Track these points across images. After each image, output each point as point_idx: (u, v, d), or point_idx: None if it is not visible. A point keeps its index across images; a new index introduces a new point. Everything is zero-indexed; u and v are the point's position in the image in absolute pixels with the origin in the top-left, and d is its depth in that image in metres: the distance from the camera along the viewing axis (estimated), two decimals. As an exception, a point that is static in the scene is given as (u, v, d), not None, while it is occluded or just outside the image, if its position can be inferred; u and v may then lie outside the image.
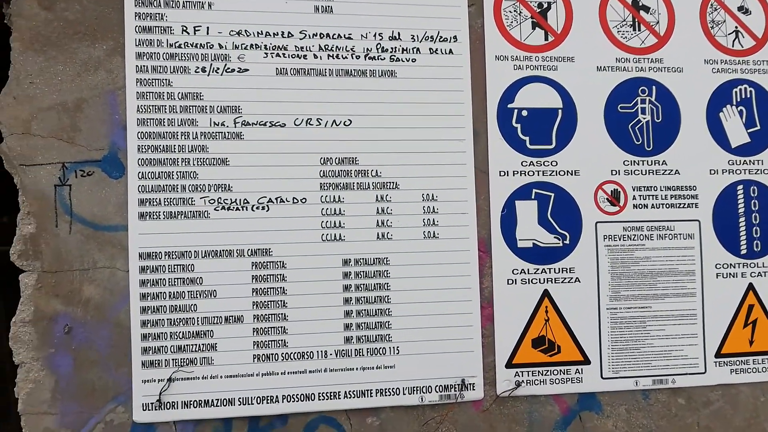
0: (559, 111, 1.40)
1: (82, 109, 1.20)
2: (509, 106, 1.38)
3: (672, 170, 1.43)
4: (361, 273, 1.29)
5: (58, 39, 1.19)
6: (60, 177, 1.19)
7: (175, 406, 1.22)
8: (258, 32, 1.27)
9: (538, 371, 1.36)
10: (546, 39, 1.41)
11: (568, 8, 1.42)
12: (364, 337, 1.29)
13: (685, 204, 1.43)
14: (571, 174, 1.39)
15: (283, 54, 1.28)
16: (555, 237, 1.38)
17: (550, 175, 1.39)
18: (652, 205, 1.42)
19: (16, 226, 1.19)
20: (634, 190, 1.41)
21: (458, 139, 1.34)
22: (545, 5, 1.41)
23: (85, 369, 1.19)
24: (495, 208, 1.36)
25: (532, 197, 1.38)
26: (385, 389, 1.30)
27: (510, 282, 1.36)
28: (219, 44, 1.26)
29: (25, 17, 1.18)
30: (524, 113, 1.39)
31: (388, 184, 1.32)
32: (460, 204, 1.34)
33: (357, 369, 1.29)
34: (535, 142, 1.39)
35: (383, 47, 1.33)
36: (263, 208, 1.26)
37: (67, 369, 1.19)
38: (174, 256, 1.23)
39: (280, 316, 1.26)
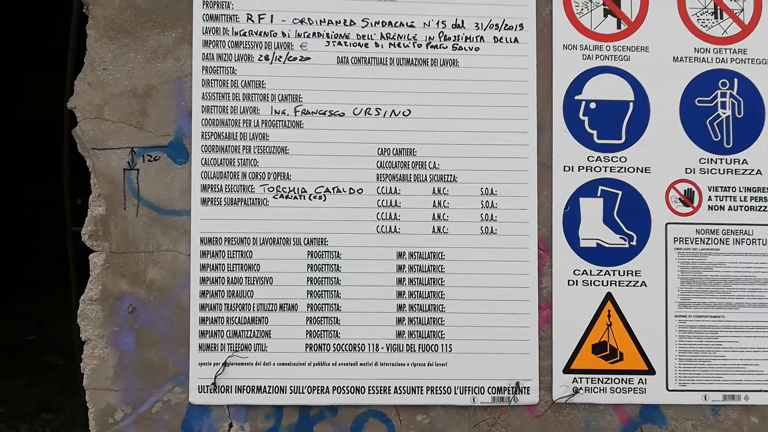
0: (631, 104, 1.32)
1: (151, 96, 1.24)
2: (577, 97, 1.32)
3: (753, 170, 1.32)
4: (416, 267, 1.27)
5: (131, 27, 1.23)
6: (129, 161, 1.23)
7: (230, 390, 1.25)
8: (321, 20, 1.27)
9: (598, 378, 1.30)
10: (618, 27, 1.33)
11: (644, -6, 1.34)
12: (416, 333, 1.27)
13: (766, 207, 1.33)
14: (641, 171, 1.32)
15: (345, 42, 1.27)
16: (621, 237, 1.31)
17: (618, 171, 1.32)
18: (730, 207, 1.32)
19: (87, 208, 1.24)
20: (710, 190, 1.32)
21: (521, 132, 1.30)
22: (619, -9, 1.34)
23: (147, 348, 1.23)
24: (557, 205, 1.30)
25: (598, 195, 1.31)
26: (436, 387, 1.27)
27: (571, 283, 1.30)
28: (282, 32, 1.26)
29: (101, 5, 1.22)
30: (592, 105, 1.32)
31: (447, 176, 1.29)
32: (520, 199, 1.29)
33: (408, 365, 1.27)
34: (604, 137, 1.32)
35: (446, 35, 1.29)
36: (320, 197, 1.26)
37: (130, 347, 1.23)
38: (233, 242, 1.25)
39: (333, 306, 1.26)
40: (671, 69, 1.33)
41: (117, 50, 1.23)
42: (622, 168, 1.32)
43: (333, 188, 1.27)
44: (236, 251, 1.25)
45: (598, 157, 1.31)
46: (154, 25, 1.23)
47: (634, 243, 1.31)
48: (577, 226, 1.31)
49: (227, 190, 1.25)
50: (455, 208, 1.28)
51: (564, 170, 1.31)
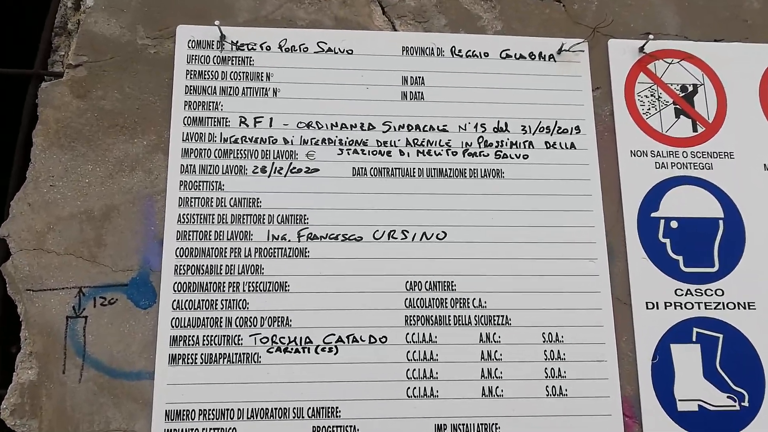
0: (720, 222, 1.06)
1: (111, 219, 0.95)
2: (653, 215, 1.05)
3: None
4: (462, 446, 0.94)
5: (90, 132, 0.97)
6: (74, 306, 0.92)
7: None
8: (332, 124, 1.02)
9: None
10: (695, 130, 1.10)
11: (719, 91, 1.11)
12: None
13: None
14: (744, 307, 1.02)
15: (362, 150, 1.02)
16: (729, 397, 0.99)
17: (715, 308, 1.02)
18: None
19: (14, 371, 0.91)
20: (829, 328, 1.03)
21: (588, 259, 1.01)
22: (690, 88, 1.12)
23: None
24: (643, 355, 0.99)
25: (694, 339, 1.01)
26: None
27: (671, 463, 0.96)
28: (284, 138, 1.01)
29: (54, 106, 0.97)
30: (674, 224, 1.05)
31: (497, 318, 0.98)
32: (594, 348, 0.98)
33: None
34: (692, 263, 1.04)
35: (487, 141, 1.05)
36: (330, 350, 0.95)
37: None
38: (211, 416, 0.91)
39: (349, 507, 0.91)
40: (764, 178, 1.08)
41: (70, 162, 0.96)
42: (719, 304, 1.02)
43: (347, 337, 0.95)
44: (215, 429, 0.91)
45: (689, 290, 1.03)
46: (121, 131, 0.98)
47: (746, 404, 0.99)
48: (670, 382, 0.99)
49: (205, 343, 0.93)
50: (510, 361, 0.96)
51: (647, 308, 1.01)
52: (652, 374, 0.99)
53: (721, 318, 1.02)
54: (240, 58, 1.02)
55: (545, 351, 0.98)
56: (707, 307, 1.02)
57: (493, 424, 0.94)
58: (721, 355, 1.01)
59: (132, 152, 0.97)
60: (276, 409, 0.92)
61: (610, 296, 1.01)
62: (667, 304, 1.02)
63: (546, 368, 0.97)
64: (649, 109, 1.10)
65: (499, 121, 1.06)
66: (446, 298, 0.98)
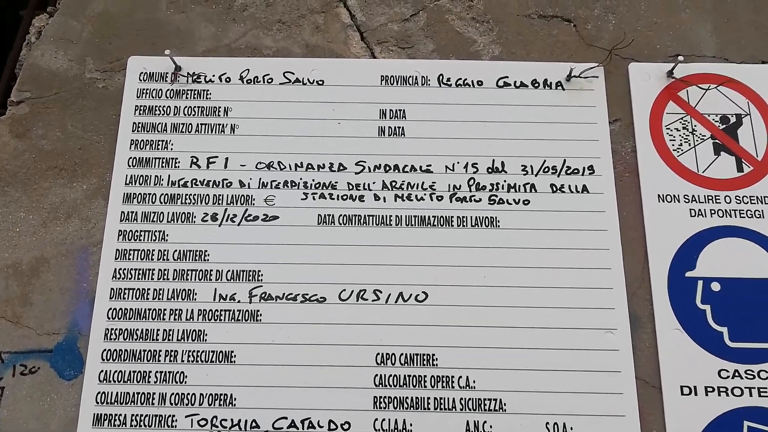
0: (777, 284, 0.85)
1: (40, 274, 0.84)
2: (689, 274, 0.85)
3: None
4: None
5: (26, 176, 0.87)
6: (-9, 374, 0.81)
7: None
8: (297, 164, 0.88)
9: None
10: (740, 169, 0.90)
11: (770, 122, 0.92)
12: None
13: None
14: (812, 395, 0.80)
15: (331, 195, 0.87)
16: None
17: (773, 395, 0.80)
18: None
19: None
20: None
21: (605, 329, 0.82)
22: (733, 119, 0.92)
23: None
24: (678, 456, 0.78)
25: (746, 436, 0.79)
26: None
27: None
28: (240, 181, 0.88)
29: (-11, 148, 0.89)
30: (715, 287, 0.85)
31: (488, 402, 0.80)
32: (613, 444, 0.78)
33: None
34: (740, 337, 0.82)
35: (479, 183, 0.88)
36: (282, 436, 0.79)
37: None
38: None
39: None
40: (832, 229, 0.86)
41: (1, 209, 0.86)
42: (778, 390, 0.81)
43: (302, 422, 0.79)
44: None
45: (737, 371, 0.81)
46: (60, 174, 0.87)
47: None
48: (716, 493, 0.77)
49: (134, 423, 0.78)
50: (504, 459, 0.78)
51: (682, 393, 0.80)
52: (691, 481, 0.78)
53: (781, 409, 0.80)
54: (196, 92, 0.91)
55: (549, 447, 0.78)
56: (762, 393, 0.80)
57: None
58: (783, 457, 0.78)
59: (69, 197, 0.87)
60: None
61: (634, 377, 0.80)
62: (709, 390, 0.80)
63: (550, 470, 0.77)
64: (681, 144, 0.91)
65: (494, 160, 0.89)
66: (425, 376, 0.81)
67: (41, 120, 0.89)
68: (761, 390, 0.80)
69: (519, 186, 0.88)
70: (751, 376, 0.81)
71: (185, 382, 0.80)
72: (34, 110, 0.90)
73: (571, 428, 0.78)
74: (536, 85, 0.93)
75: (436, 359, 0.81)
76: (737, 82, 0.93)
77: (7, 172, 0.88)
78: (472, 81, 0.92)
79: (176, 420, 0.79)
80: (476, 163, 0.89)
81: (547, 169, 0.89)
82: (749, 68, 0.94)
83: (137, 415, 0.79)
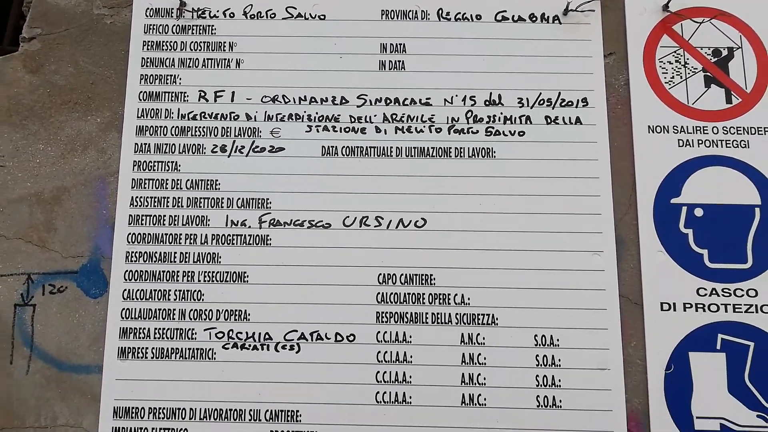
0: (757, 209, 0.89)
1: (62, 202, 0.89)
2: (674, 201, 0.90)
3: None
4: (435, 461, 0.83)
5: (42, 110, 0.91)
6: (22, 294, 0.87)
7: None
8: (300, 98, 0.92)
9: None
10: (729, 101, 0.93)
11: (761, 55, 0.94)
12: None
13: None
14: (783, 311, 0.86)
15: (334, 127, 0.92)
16: (759, 416, 0.84)
17: (746, 311, 0.86)
18: None
19: (-38, 359, 0.88)
20: None
21: (592, 251, 0.88)
22: (725, 52, 0.95)
23: None
24: (655, 363, 0.85)
25: (718, 347, 0.86)
26: None
27: (684, 493, 0.82)
28: (247, 114, 0.92)
29: (5, 82, 0.92)
30: (698, 212, 0.90)
31: (481, 317, 0.86)
32: (596, 354, 0.85)
33: None
34: (720, 258, 0.88)
35: (476, 115, 0.92)
36: (292, 347, 0.85)
37: None
38: (161, 415, 0.84)
39: None
40: (813, 158, 0.91)
41: (21, 141, 0.91)
42: (751, 306, 0.87)
43: (311, 334, 0.86)
44: (165, 429, 0.84)
45: (714, 289, 0.87)
46: (74, 108, 0.91)
47: (781, 426, 0.84)
48: (687, 396, 0.84)
49: (157, 336, 0.86)
50: (496, 366, 0.84)
51: (662, 309, 0.87)
52: (665, 386, 0.85)
53: (753, 323, 0.86)
54: (201, 27, 0.93)
55: (537, 356, 0.85)
56: (736, 309, 0.87)
57: (473, 437, 0.83)
58: (751, 366, 0.85)
59: (85, 130, 0.91)
60: (231, 410, 0.84)
61: (618, 295, 0.87)
62: (687, 306, 0.87)
63: (537, 375, 0.84)
64: (673, 77, 0.94)
65: (491, 93, 0.92)
66: (424, 294, 0.87)
67: (53, 56, 0.93)
68: (735, 306, 0.87)
69: (515, 118, 0.92)
70: (728, 294, 0.87)
71: (202, 300, 0.87)
72: (45, 46, 0.93)
73: (558, 340, 0.85)
74: (534, 19, 0.94)
75: (434, 279, 0.87)
76: (730, 16, 0.95)
77: (24, 107, 0.92)
78: (471, 15, 0.94)
79: (196, 333, 0.86)
80: (474, 96, 0.92)
81: (542, 102, 0.92)
82: (743, 1, 0.96)
83: (160, 328, 0.86)
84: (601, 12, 0.95)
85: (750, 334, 0.86)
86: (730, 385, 0.85)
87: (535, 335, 0.86)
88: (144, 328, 0.86)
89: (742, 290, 0.87)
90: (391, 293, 0.87)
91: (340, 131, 0.91)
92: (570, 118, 0.92)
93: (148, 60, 0.92)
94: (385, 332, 0.86)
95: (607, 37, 0.95)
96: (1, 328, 0.86)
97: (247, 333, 0.86)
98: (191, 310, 0.86)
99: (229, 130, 0.91)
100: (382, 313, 0.87)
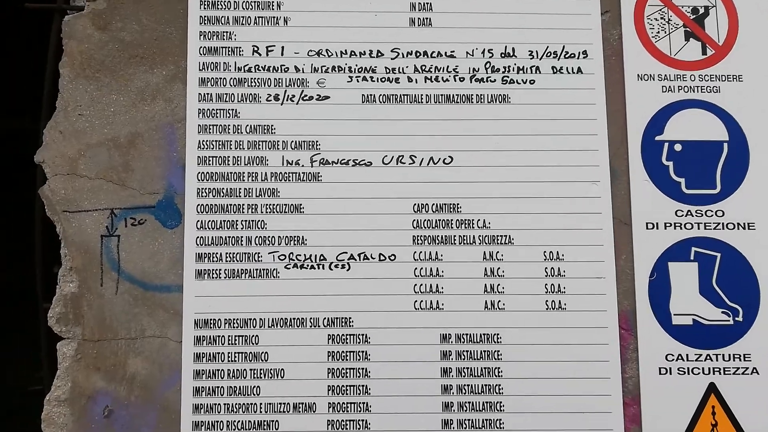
0: (725, 144, 1.07)
1: (136, 145, 1.02)
2: (657, 138, 1.07)
3: None
4: (465, 353, 1.01)
5: (113, 63, 1.02)
6: (108, 226, 1.00)
7: None
8: (341, 52, 1.05)
9: (706, 497, 1.01)
10: (704, 53, 1.09)
11: (731, 13, 1.10)
12: (466, 435, 1.00)
13: None
14: (744, 228, 1.05)
15: (371, 78, 1.05)
16: (723, 312, 1.04)
17: (714, 228, 1.05)
18: None
19: (56, 284, 1.01)
20: (828, 248, 1.05)
21: (590, 181, 1.05)
22: (701, 10, 1.10)
23: (126, 461, 0.98)
24: (641, 272, 1.04)
25: (691, 258, 1.05)
26: None
27: (663, 371, 1.02)
28: (295, 67, 1.04)
29: (77, 39, 1.02)
30: (677, 147, 1.07)
31: (500, 237, 1.04)
32: (594, 265, 1.03)
33: (457, 478, 0.99)
34: (694, 185, 1.06)
35: (494, 66, 1.07)
36: (343, 266, 1.02)
37: (103, 464, 0.98)
38: (236, 325, 1.00)
39: (361, 406, 1.00)
40: (772, 101, 1.08)
41: (95, 92, 1.02)
42: (719, 224, 1.06)
43: (359, 255, 1.02)
44: (239, 336, 1.00)
45: (689, 211, 1.06)
46: (141, 61, 1.02)
47: (740, 318, 1.04)
48: (667, 298, 1.04)
49: (228, 259, 1.01)
50: (512, 278, 1.02)
51: (647, 228, 1.05)
52: (649, 291, 1.04)
53: (720, 238, 1.05)
54: (251, -12, 1.05)
55: (546, 268, 1.03)
56: (707, 227, 1.06)
57: (495, 334, 1.01)
58: (718, 272, 1.05)
59: (152, 82, 1.02)
60: (294, 319, 1.01)
61: (611, 217, 1.05)
62: (667, 225, 1.06)
63: (546, 284, 1.03)
64: (658, 32, 1.10)
65: (506, 47, 1.07)
66: (452, 219, 1.04)
67: (118, 14, 1.03)
68: (706, 224, 1.05)
69: (526, 68, 1.07)
70: (700, 215, 1.06)
71: (266, 228, 1.01)
72: (110, 5, 1.03)
73: (562, 255, 1.03)
74: (542, -20, 1.09)
75: (460, 207, 1.04)
76: (708, -22, 1.11)
77: (96, 61, 1.02)
78: (488, -23, 1.08)
79: (261, 256, 1.01)
80: (491, 50, 1.06)
81: (549, 54, 1.07)
82: (719, -35, 1.11)
83: (230, 252, 1.01)
84: (599, -25, 1.10)
85: (717, 246, 1.05)
86: (701, 288, 1.04)
87: (544, 251, 1.03)
88: (216, 253, 1.01)
89: (712, 211, 1.06)
90: (425, 220, 1.03)
91: (377, 81, 1.05)
92: (573, 68, 1.07)
93: (206, 18, 1.03)
94: (420, 252, 1.03)
95: (603, -3, 1.10)
96: (91, 256, 1.00)
97: (304, 255, 1.01)
98: (256, 236, 1.01)
99: (280, 81, 1.04)
100: (418, 236, 1.03)
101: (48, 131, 1.01)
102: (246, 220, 1.02)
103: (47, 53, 1.06)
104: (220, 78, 1.03)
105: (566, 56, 1.07)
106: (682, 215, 1.06)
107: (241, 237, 1.01)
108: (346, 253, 1.02)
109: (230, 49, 1.04)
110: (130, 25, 1.03)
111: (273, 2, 1.05)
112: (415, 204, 1.04)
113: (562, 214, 1.04)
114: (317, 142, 1.03)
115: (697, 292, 1.04)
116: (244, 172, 1.02)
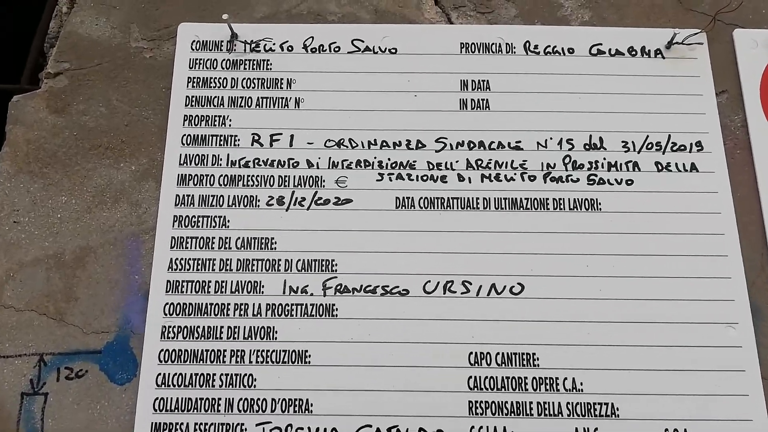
0: None
1: (85, 264, 0.74)
2: (816, 262, 0.76)
3: None
4: None
5: (67, 156, 0.78)
6: (32, 379, 0.71)
7: None
8: (370, 142, 0.79)
9: None
10: None
11: None
12: None
13: None
14: None
15: (409, 175, 0.78)
16: None
17: None
18: None
19: (-49, 463, 0.71)
20: None
21: (725, 324, 0.73)
22: None
23: None
24: (819, 467, 0.69)
25: None
26: None
27: None
28: (308, 161, 0.78)
29: (26, 124, 0.78)
30: None
31: (598, 407, 0.70)
32: (744, 454, 0.69)
33: None
34: None
35: (576, 162, 0.79)
36: (365, 447, 0.69)
37: None
38: None
39: None
40: None
41: (40, 192, 0.76)
42: None
43: (390, 429, 0.68)
44: None
45: None
46: (105, 153, 0.78)
47: None
48: None
49: (198, 434, 0.70)
50: (619, 472, 0.68)
51: (819, 397, 0.71)
52: (835, 497, 0.68)
53: None
54: (255, 62, 0.81)
55: (670, 457, 0.69)
56: None
57: None
58: None
59: (117, 180, 0.77)
60: None
61: (760, 377, 0.71)
62: None
63: (673, 484, 0.68)
64: (798, 115, 0.82)
65: (591, 136, 0.80)
66: (525, 377, 0.71)
67: (82, 94, 0.80)
68: None
69: (620, 164, 0.78)
70: None
71: (254, 386, 0.70)
72: (74, 83, 0.80)
73: (693, 435, 0.69)
74: (633, 53, 0.83)
75: (537, 359, 0.72)
76: None
77: (46, 152, 0.78)
78: (563, 48, 0.83)
79: (245, 428, 0.69)
80: (571, 139, 0.79)
81: (650, 146, 0.79)
82: None
83: (201, 423, 0.69)
84: (708, 46, 0.84)
85: None
86: None
87: (666, 429, 0.70)
88: (181, 424, 0.69)
89: None
90: (486, 377, 0.71)
91: (417, 179, 0.77)
92: (684, 164, 0.79)
93: (194, 99, 0.80)
94: (481, 427, 0.69)
95: (716, 73, 0.83)
96: (3, 424, 0.70)
97: (309, 428, 0.69)
98: (241, 399, 0.70)
99: (287, 179, 0.77)
100: (476, 402, 0.70)
101: (-31, 244, 0.76)
102: (227, 375, 0.71)
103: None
104: (207, 175, 0.77)
105: (674, 148, 0.79)
106: None
107: (219, 400, 0.70)
108: (371, 426, 0.69)
109: (222, 138, 0.79)
110: (95, 107, 0.79)
111: (282, 79, 0.81)
112: (471, 353, 0.72)
113: (687, 371, 0.71)
114: (333, 261, 0.74)
115: None
116: (229, 304, 0.73)
